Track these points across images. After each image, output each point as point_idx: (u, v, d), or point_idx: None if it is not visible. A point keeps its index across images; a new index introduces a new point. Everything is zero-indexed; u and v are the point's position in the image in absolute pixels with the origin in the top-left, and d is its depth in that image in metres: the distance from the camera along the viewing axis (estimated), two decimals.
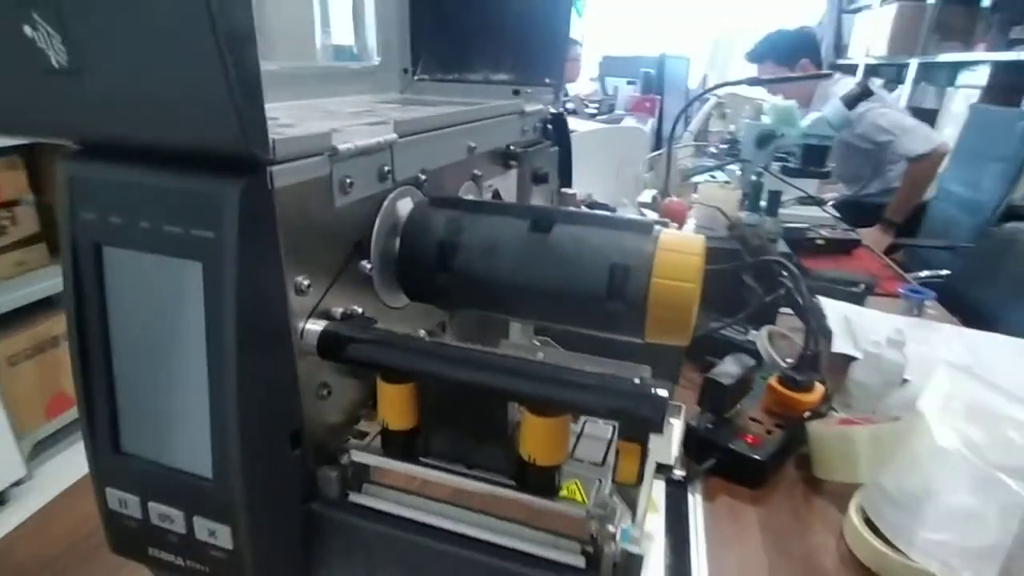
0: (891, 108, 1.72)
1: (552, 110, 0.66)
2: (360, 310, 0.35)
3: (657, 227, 0.35)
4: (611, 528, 0.30)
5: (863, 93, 1.65)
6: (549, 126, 0.67)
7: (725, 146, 2.09)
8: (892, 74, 3.38)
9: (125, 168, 0.29)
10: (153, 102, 0.25)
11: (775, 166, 1.73)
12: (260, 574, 0.33)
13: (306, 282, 0.31)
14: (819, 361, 0.78)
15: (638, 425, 0.28)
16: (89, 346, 0.31)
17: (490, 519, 0.33)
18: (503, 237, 0.36)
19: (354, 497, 0.35)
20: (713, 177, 1.93)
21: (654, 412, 0.27)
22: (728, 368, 0.69)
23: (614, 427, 0.36)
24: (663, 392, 0.27)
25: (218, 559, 0.33)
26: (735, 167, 1.76)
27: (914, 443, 0.60)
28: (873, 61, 3.39)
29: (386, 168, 0.37)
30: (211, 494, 0.31)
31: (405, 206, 0.39)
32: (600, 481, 0.33)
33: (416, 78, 0.67)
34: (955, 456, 0.58)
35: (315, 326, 0.32)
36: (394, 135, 0.37)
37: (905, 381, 0.78)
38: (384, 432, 0.33)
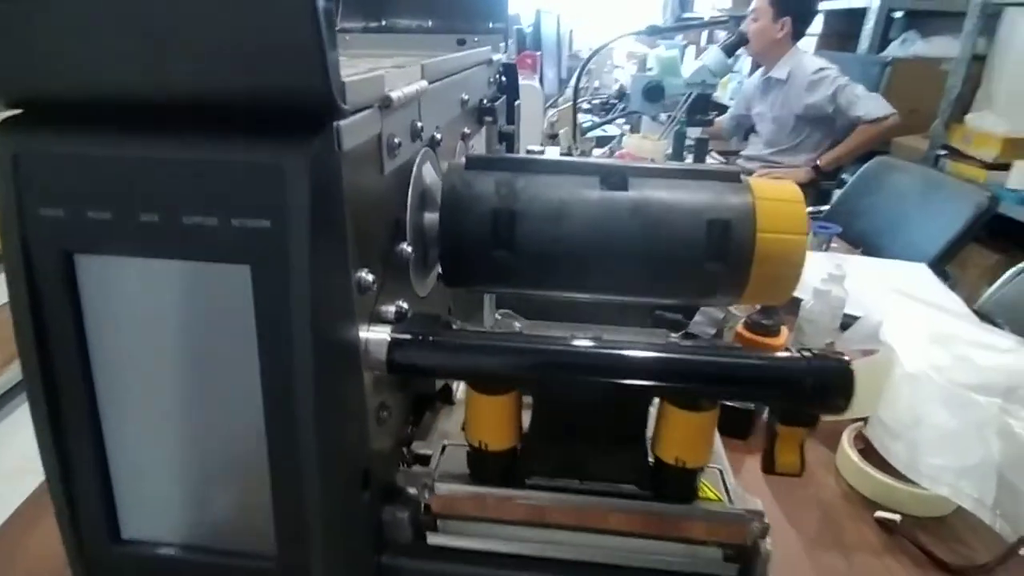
0: (840, 74, 1.82)
1: (504, 59, 0.60)
2: (406, 306, 0.28)
3: (743, 175, 0.31)
4: (764, 525, 0.26)
5: (740, 41, 1.73)
6: (503, 78, 0.61)
7: (615, 101, 2.12)
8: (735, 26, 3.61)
9: (108, 138, 0.19)
10: (193, 38, 0.17)
11: (662, 116, 1.78)
12: None
13: (369, 277, 0.24)
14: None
15: (817, 407, 0.24)
16: (64, 402, 0.22)
17: (606, 538, 0.28)
18: (572, 199, 0.30)
19: (433, 539, 0.28)
20: (604, 131, 1.95)
21: (843, 389, 0.23)
22: (703, 325, 0.68)
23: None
24: (847, 364, 0.23)
25: None
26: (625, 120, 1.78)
27: (884, 377, 0.62)
28: (718, 14, 3.59)
29: (418, 124, 0.29)
30: (273, 573, 0.23)
31: (429, 172, 0.32)
32: (720, 472, 0.29)
33: (336, 28, 0.57)
34: (925, 381, 0.61)
35: (379, 334, 0.25)
36: (423, 82, 0.29)
37: (849, 316, 0.82)
38: (477, 453, 0.27)
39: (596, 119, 2.09)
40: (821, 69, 1.85)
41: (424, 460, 0.30)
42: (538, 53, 2.23)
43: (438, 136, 0.34)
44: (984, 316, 0.87)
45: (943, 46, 2.22)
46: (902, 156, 1.92)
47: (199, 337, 0.21)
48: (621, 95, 1.93)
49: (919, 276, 1.02)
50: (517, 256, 0.30)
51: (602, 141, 1.76)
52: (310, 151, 0.18)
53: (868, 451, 0.60)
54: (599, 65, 2.66)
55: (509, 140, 0.59)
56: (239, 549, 0.23)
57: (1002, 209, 1.34)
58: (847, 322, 0.83)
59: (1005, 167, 1.78)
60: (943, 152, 1.98)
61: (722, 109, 2.29)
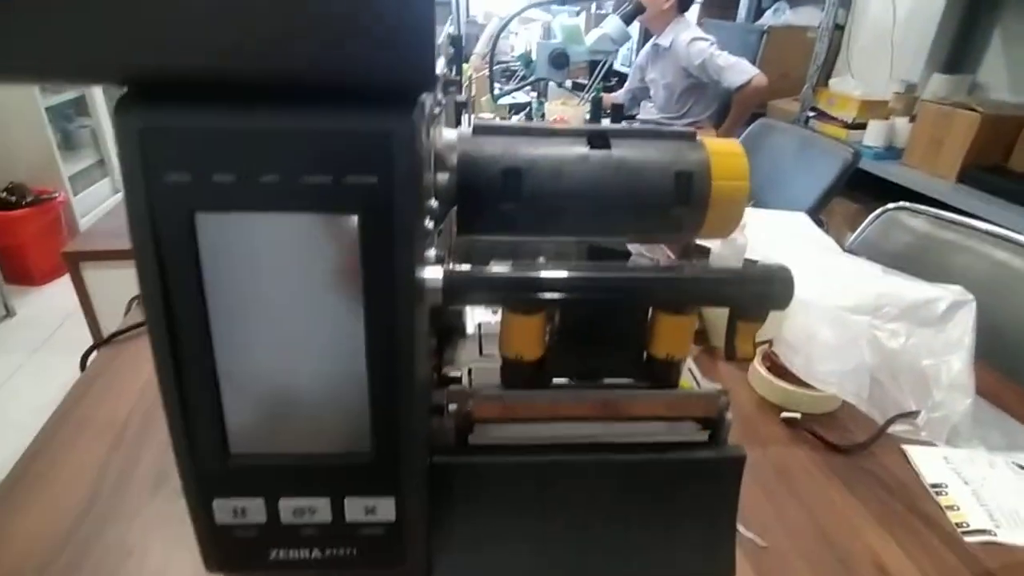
0: (712, 44, 1.93)
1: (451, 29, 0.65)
2: (441, 253, 0.34)
3: (696, 135, 0.39)
4: (727, 400, 0.35)
5: (637, 10, 1.83)
6: (452, 49, 0.65)
7: (516, 67, 2.17)
8: None
9: (230, 113, 0.23)
10: (302, 21, 0.21)
11: (568, 83, 1.86)
12: (416, 537, 0.31)
13: (430, 224, 0.29)
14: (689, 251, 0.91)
15: (768, 304, 0.32)
16: (183, 339, 0.26)
17: (608, 424, 0.36)
18: (567, 158, 0.37)
19: (473, 439, 0.34)
20: (514, 98, 2.00)
21: (785, 290, 0.32)
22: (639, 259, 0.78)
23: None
24: (788, 271, 0.32)
25: (373, 536, 0.30)
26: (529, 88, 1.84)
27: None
28: None
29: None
30: (372, 470, 0.29)
31: (436, 138, 0.37)
32: (689, 370, 0.38)
33: None
34: (814, 306, 0.74)
35: (435, 273, 0.30)
36: (449, 27, 0.34)
37: (748, 260, 0.95)
38: (510, 365, 0.33)
39: (500, 86, 2.13)
40: (693, 40, 1.99)
41: (455, 381, 0.36)
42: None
43: (436, 106, 0.39)
44: (852, 254, 1.03)
45: (809, 15, 2.45)
46: (777, 118, 2.14)
47: (308, 279, 0.25)
48: (527, 62, 1.99)
49: (800, 223, 1.18)
50: (522, 207, 0.37)
51: (515, 108, 1.82)
52: (411, 119, 0.24)
53: (773, 368, 0.72)
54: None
55: (462, 109, 0.63)
56: (338, 451, 0.28)
57: (859, 164, 1.54)
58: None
59: (862, 126, 2.02)
60: (812, 114, 2.22)
61: (621, 75, 2.41)
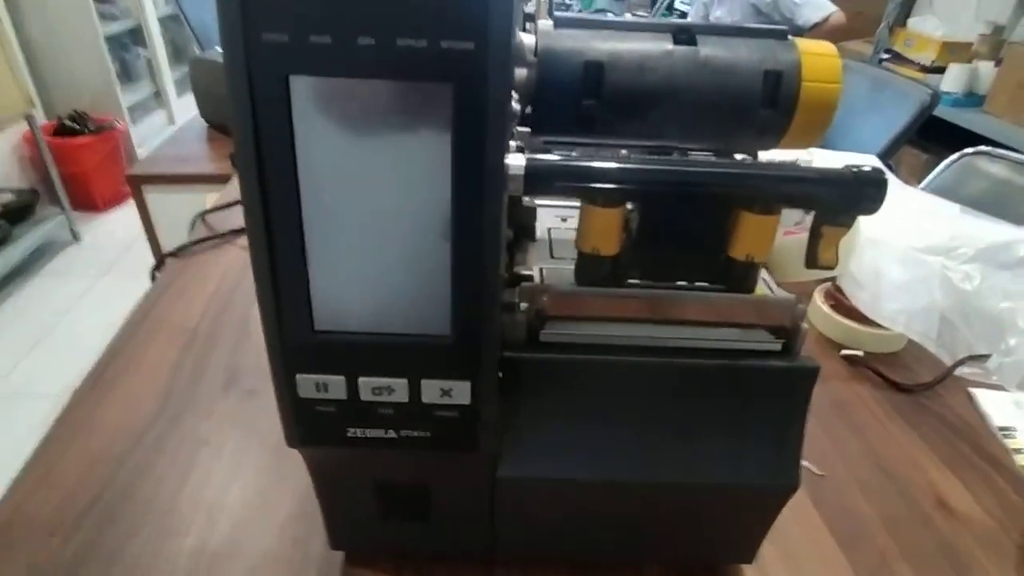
0: None
1: None
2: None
3: (788, 33, 0.36)
4: (803, 309, 0.34)
5: None
6: None
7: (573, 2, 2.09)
8: None
9: None
10: None
11: (627, 15, 1.78)
12: (488, 424, 0.32)
13: (518, 107, 0.28)
14: None
15: (859, 208, 0.30)
16: (274, 209, 0.26)
17: (680, 328, 0.35)
18: (651, 53, 0.35)
19: (544, 336, 0.34)
20: None
21: (878, 192, 0.30)
22: None
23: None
24: (882, 173, 0.30)
25: (447, 419, 0.31)
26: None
27: (854, 239, 0.72)
28: None
29: None
30: (450, 352, 0.29)
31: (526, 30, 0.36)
32: (764, 279, 0.37)
33: None
34: (884, 244, 0.71)
35: (515, 160, 0.29)
36: None
37: None
38: (587, 260, 0.33)
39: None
40: None
41: (527, 279, 0.35)
42: None
43: None
44: None
45: None
46: (847, 59, 2.01)
47: (398, 151, 0.25)
48: None
49: (871, 165, 1.12)
50: (603, 104, 0.35)
51: None
52: None
53: (836, 306, 0.70)
54: None
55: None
56: (419, 332, 0.29)
57: (934, 111, 1.45)
58: None
59: (941, 71, 1.89)
60: (886, 56, 2.09)
61: (681, 13, 2.30)
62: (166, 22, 2.97)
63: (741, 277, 0.33)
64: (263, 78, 0.24)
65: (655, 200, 0.32)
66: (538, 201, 0.41)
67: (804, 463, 0.54)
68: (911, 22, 2.04)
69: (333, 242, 0.27)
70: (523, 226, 0.39)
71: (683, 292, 0.34)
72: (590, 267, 0.33)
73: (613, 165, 0.30)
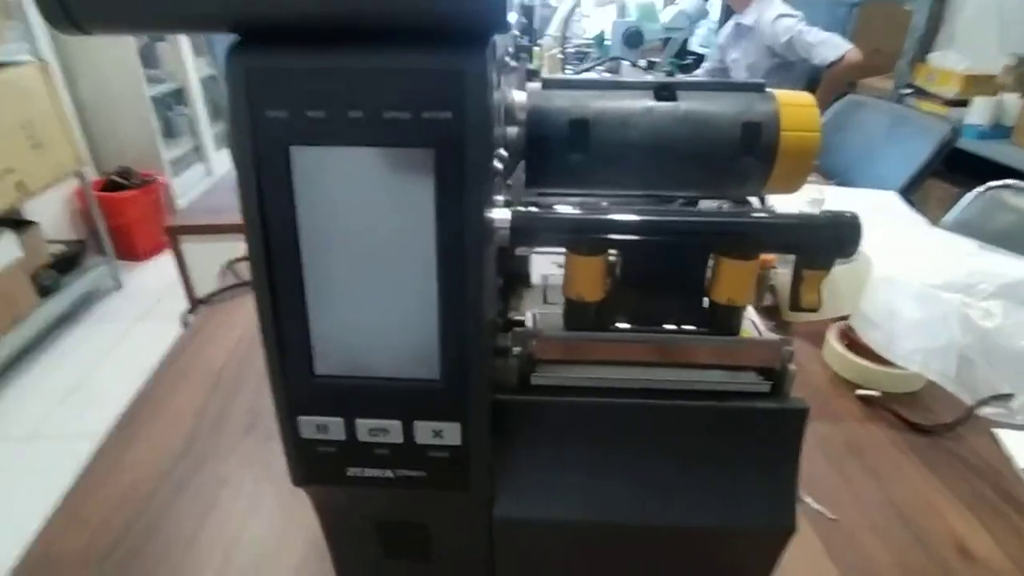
0: (799, 20, 1.86)
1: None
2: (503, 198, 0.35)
3: (766, 87, 0.38)
4: (790, 350, 0.35)
5: None
6: (525, 19, 0.66)
7: (588, 49, 2.15)
8: None
9: (322, 54, 0.26)
10: None
11: (641, 62, 1.82)
12: (480, 464, 0.33)
13: (500, 165, 0.30)
14: None
15: (835, 251, 0.32)
16: (277, 264, 0.29)
17: (668, 370, 0.36)
18: (634, 110, 0.37)
19: (535, 380, 0.36)
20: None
21: (853, 236, 0.31)
22: None
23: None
24: (856, 217, 0.31)
25: (440, 459, 0.32)
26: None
27: (869, 277, 0.72)
28: None
29: (500, 49, 0.36)
30: (440, 396, 0.31)
31: (506, 91, 0.38)
32: (752, 321, 0.38)
33: None
34: (898, 282, 0.71)
35: (503, 213, 0.32)
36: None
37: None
38: (573, 306, 0.34)
39: (572, 68, 2.13)
40: (780, 16, 1.90)
41: (519, 324, 0.37)
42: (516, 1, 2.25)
43: (508, 62, 0.40)
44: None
45: None
46: (868, 95, 2.02)
47: (388, 209, 0.27)
48: (600, 42, 1.97)
49: (890, 202, 1.12)
50: (590, 159, 0.37)
51: None
52: (483, 58, 0.25)
53: (850, 345, 0.70)
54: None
55: (533, 77, 0.64)
56: (410, 376, 0.30)
57: (960, 144, 1.43)
58: None
59: (964, 103, 1.88)
60: (908, 91, 2.08)
61: (697, 56, 2.35)
62: (206, 82, 3.15)
63: (725, 320, 0.34)
64: (266, 148, 0.27)
65: (636, 248, 0.33)
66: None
67: (816, 506, 0.53)
68: (932, 57, 2.04)
69: (331, 292, 0.29)
70: (517, 273, 0.40)
71: (669, 336, 0.35)
72: (577, 313, 0.34)
73: (593, 216, 0.32)
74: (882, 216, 0.88)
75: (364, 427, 0.32)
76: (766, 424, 0.36)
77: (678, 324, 0.36)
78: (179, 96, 3.05)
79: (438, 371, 0.30)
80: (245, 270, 0.92)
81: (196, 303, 0.84)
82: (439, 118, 0.26)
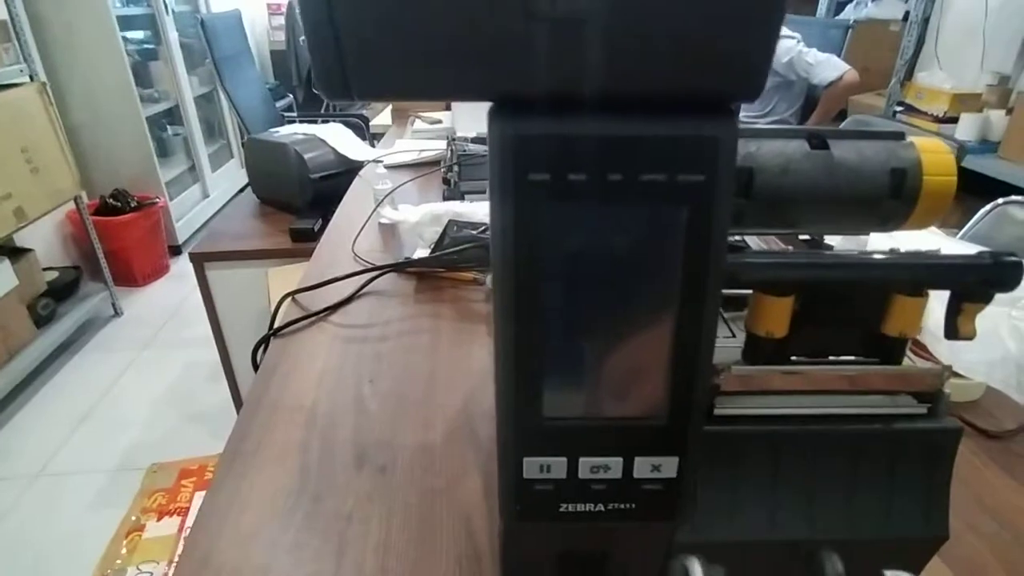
0: (798, 41, 1.93)
1: None
2: None
3: (907, 135, 0.42)
4: (949, 375, 0.38)
5: None
6: None
7: None
8: None
9: (583, 122, 0.28)
10: (656, 47, 0.25)
11: None
12: (687, 493, 0.35)
13: None
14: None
15: (998, 287, 0.35)
16: (523, 315, 0.31)
17: (835, 396, 0.39)
18: (792, 157, 0.40)
19: (719, 410, 0.38)
20: None
21: (1015, 274, 0.35)
22: None
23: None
24: (1019, 258, 0.35)
25: (652, 491, 0.35)
26: None
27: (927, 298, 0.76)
28: None
29: None
30: (663, 432, 0.33)
31: None
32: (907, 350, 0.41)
33: None
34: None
35: None
36: None
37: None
38: (759, 341, 0.37)
39: None
40: (780, 37, 1.98)
41: None
42: None
43: None
44: None
45: (891, 8, 2.40)
46: (860, 113, 2.10)
47: (632, 262, 0.30)
48: None
49: None
50: (753, 202, 0.40)
51: None
52: (734, 125, 0.28)
53: (916, 355, 0.74)
54: None
55: None
56: (637, 415, 0.33)
57: None
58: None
59: (954, 120, 1.98)
60: (899, 108, 2.18)
61: None
62: (199, 101, 3.13)
63: (893, 351, 0.37)
64: (526, 208, 0.29)
65: (822, 288, 0.36)
66: None
67: None
68: (919, 76, 2.14)
69: (567, 342, 0.31)
70: None
71: (849, 367, 0.38)
72: (761, 347, 0.37)
73: (789, 261, 0.35)
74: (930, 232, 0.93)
75: (586, 465, 0.34)
76: (925, 443, 0.39)
77: (847, 354, 0.39)
78: (172, 115, 3.02)
79: (666, 411, 0.32)
80: (308, 302, 0.92)
81: (267, 337, 0.84)
82: (692, 180, 0.28)
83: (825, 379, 0.38)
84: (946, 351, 0.71)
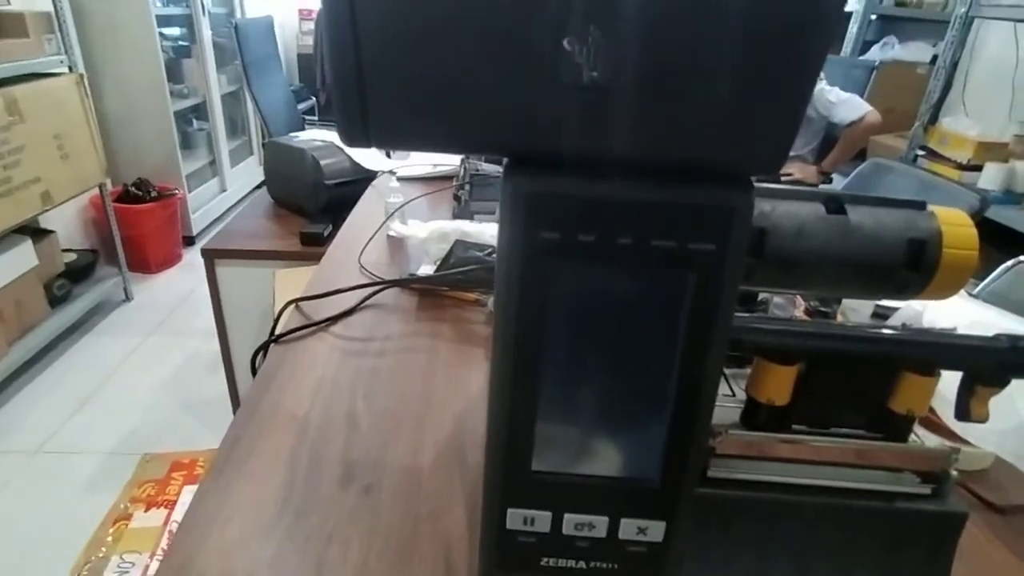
0: (820, 79, 1.93)
1: None
2: None
3: (927, 205, 0.41)
4: (956, 457, 0.37)
5: None
6: None
7: None
8: None
9: (596, 184, 0.27)
10: (681, 120, 0.25)
11: None
12: (674, 559, 0.34)
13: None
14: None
15: (1013, 374, 0.34)
16: (522, 368, 0.30)
17: (836, 469, 0.38)
18: (807, 220, 0.39)
19: (712, 472, 0.37)
20: None
21: None
22: (778, 309, 0.79)
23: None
24: None
25: (638, 553, 0.34)
26: None
27: None
28: None
29: None
30: (654, 496, 0.32)
31: None
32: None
33: None
34: None
35: None
36: None
37: (880, 306, 0.95)
38: (760, 407, 0.36)
39: None
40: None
41: None
42: None
43: None
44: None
45: (918, 51, 2.39)
46: (880, 155, 2.09)
47: (636, 324, 0.29)
48: None
49: None
50: (765, 263, 0.40)
51: None
52: (750, 196, 0.27)
53: (927, 423, 0.72)
54: None
55: None
56: (628, 475, 0.32)
57: None
58: (880, 311, 0.96)
59: (978, 168, 1.95)
60: (921, 152, 2.16)
61: None
62: (226, 99, 3.17)
63: (899, 428, 0.36)
64: (534, 263, 0.28)
65: (827, 359, 0.35)
66: None
67: None
68: (944, 121, 2.12)
69: (563, 398, 0.31)
70: None
71: (851, 441, 0.37)
72: (761, 414, 0.36)
73: (795, 330, 0.34)
74: None
75: (571, 522, 0.33)
76: (927, 525, 0.38)
77: (852, 427, 0.37)
78: (199, 111, 3.06)
79: (658, 473, 0.32)
80: (311, 310, 0.92)
81: (267, 343, 0.84)
82: (703, 249, 0.28)
83: (826, 451, 0.37)
84: None
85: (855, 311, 0.96)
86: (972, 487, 0.66)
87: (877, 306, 0.99)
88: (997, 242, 1.88)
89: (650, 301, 0.29)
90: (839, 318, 0.85)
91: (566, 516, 0.33)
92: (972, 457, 0.69)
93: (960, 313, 0.82)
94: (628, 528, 0.33)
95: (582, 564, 0.34)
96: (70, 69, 2.07)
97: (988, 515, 0.64)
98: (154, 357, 2.21)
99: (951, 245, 0.39)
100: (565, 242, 0.28)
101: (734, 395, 0.42)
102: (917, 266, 0.39)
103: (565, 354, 0.30)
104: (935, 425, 0.71)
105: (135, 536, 1.46)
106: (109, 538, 1.44)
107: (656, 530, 0.33)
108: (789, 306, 0.81)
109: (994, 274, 1.21)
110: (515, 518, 0.33)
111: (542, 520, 0.33)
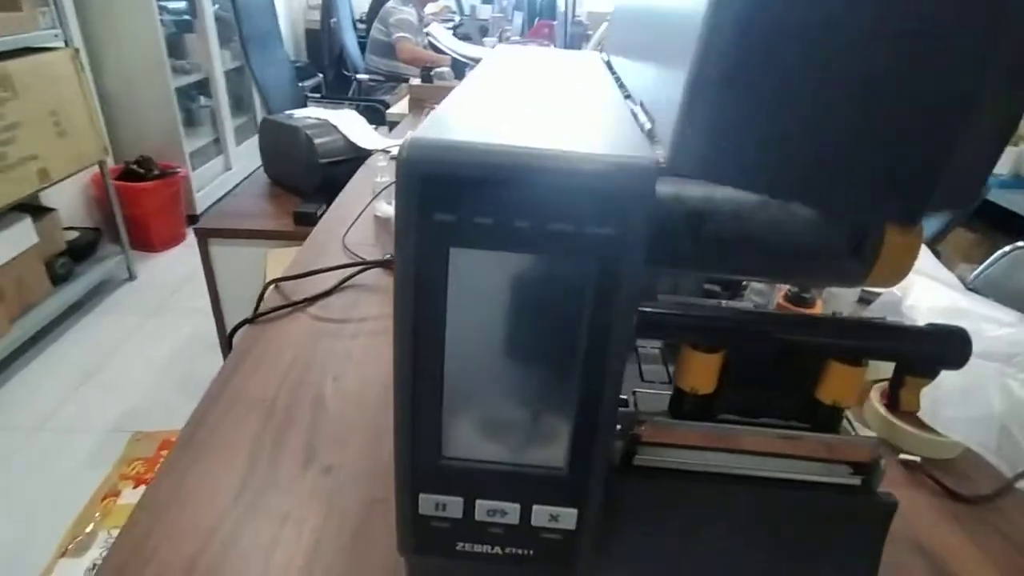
0: None
1: None
2: None
3: None
4: (883, 450, 0.36)
5: None
6: None
7: None
8: None
9: (494, 163, 0.27)
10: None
11: None
12: (588, 545, 0.34)
13: None
14: None
15: (943, 364, 0.33)
16: (422, 353, 0.30)
17: (764, 459, 0.37)
18: (745, 205, 0.38)
19: (638, 460, 0.37)
20: None
21: (963, 351, 0.32)
22: (754, 295, 0.78)
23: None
24: (965, 332, 0.33)
25: (552, 540, 0.33)
26: None
27: None
28: None
29: None
30: (562, 483, 0.32)
31: None
32: (846, 416, 0.39)
33: None
34: None
35: None
36: None
37: (866, 291, 0.93)
38: (682, 397, 0.36)
39: None
40: None
41: (622, 404, 0.38)
42: (554, 22, 2.26)
43: None
44: (975, 292, 0.99)
45: None
46: None
47: (537, 310, 0.29)
48: None
49: (921, 256, 1.13)
50: (702, 247, 0.39)
51: None
52: (652, 184, 0.26)
53: (890, 406, 0.71)
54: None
55: None
56: (535, 463, 0.32)
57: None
58: (865, 296, 0.95)
59: None
60: None
61: None
62: (230, 75, 3.16)
63: (827, 419, 0.36)
64: (429, 249, 0.28)
65: (752, 347, 0.34)
66: None
67: None
68: None
69: (468, 383, 0.30)
70: None
71: (774, 431, 0.36)
72: (686, 403, 0.36)
73: (715, 315, 0.33)
74: (922, 275, 0.89)
75: (482, 508, 0.33)
76: (856, 517, 0.37)
77: (779, 417, 0.37)
78: (202, 87, 3.05)
79: (564, 461, 0.31)
80: (292, 290, 0.92)
81: (241, 324, 0.84)
82: (603, 233, 0.27)
83: (752, 441, 0.36)
84: (927, 405, 0.68)
85: (839, 297, 0.94)
86: (938, 476, 0.65)
87: (863, 291, 0.97)
88: (1004, 228, 1.84)
89: (550, 287, 0.28)
90: (819, 305, 0.84)
91: (478, 502, 0.33)
92: (938, 446, 0.68)
93: (943, 301, 0.80)
94: (540, 515, 0.33)
95: (497, 550, 0.34)
96: (66, 43, 2.07)
97: (952, 505, 0.63)
98: (156, 336, 2.24)
99: (894, 230, 0.38)
100: (460, 225, 0.27)
101: (670, 382, 0.41)
102: (859, 251, 0.38)
103: (467, 340, 0.29)
104: (902, 413, 0.70)
105: (123, 512, 1.49)
106: (97, 514, 1.47)
107: (568, 517, 0.33)
108: (770, 291, 0.79)
109: (989, 260, 1.19)
110: (427, 503, 0.33)
111: (454, 506, 0.33)
